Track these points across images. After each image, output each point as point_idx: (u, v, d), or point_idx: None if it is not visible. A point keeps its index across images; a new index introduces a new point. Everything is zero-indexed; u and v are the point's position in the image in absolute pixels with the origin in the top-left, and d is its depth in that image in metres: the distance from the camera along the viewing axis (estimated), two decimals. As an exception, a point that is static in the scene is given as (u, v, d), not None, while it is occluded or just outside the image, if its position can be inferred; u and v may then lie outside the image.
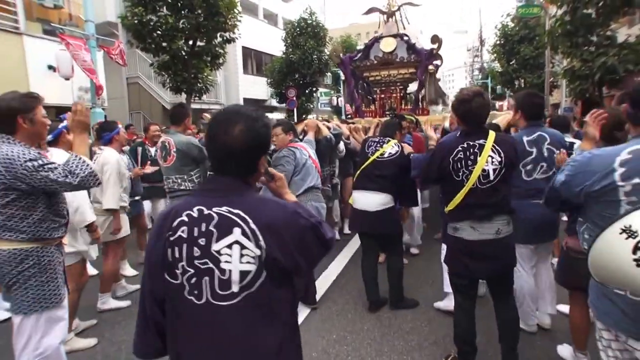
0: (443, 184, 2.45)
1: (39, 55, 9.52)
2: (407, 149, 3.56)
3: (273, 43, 20.54)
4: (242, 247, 1.06)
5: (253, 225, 1.07)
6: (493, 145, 2.27)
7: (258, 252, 1.06)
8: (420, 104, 8.05)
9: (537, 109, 2.84)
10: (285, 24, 21.67)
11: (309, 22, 18.57)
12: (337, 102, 22.99)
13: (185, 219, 1.10)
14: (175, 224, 1.11)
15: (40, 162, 1.94)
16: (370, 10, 8.18)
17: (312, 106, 20.54)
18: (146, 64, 14.60)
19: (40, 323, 2.06)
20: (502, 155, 2.27)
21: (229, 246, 1.06)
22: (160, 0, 10.58)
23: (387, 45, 7.60)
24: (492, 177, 2.25)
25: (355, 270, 3.71)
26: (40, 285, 2.05)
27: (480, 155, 2.25)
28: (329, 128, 4.52)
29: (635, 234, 1.22)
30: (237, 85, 20.45)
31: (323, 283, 4.08)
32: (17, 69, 9.27)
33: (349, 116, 8.48)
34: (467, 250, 2.36)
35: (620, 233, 1.25)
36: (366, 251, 3.65)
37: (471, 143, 2.29)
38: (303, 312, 3.46)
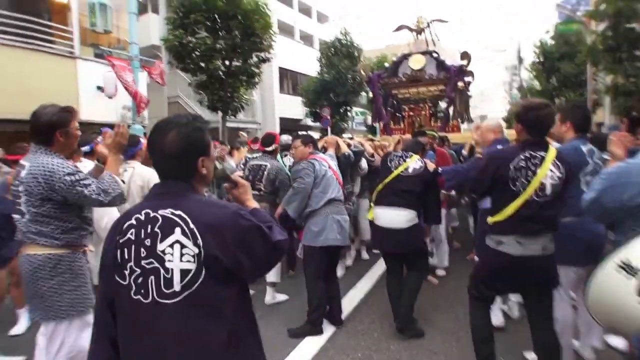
0: (494, 194, 2.36)
1: (89, 77, 10.21)
2: (430, 165, 3.46)
3: (309, 63, 21.00)
4: (182, 246, 1.10)
5: (192, 225, 1.11)
6: (554, 160, 2.20)
7: (196, 250, 1.09)
8: (450, 121, 7.96)
9: (586, 121, 2.73)
10: (320, 44, 22.13)
11: (344, 42, 18.89)
12: (372, 122, 22.95)
13: (134, 222, 1.16)
14: (125, 227, 1.16)
15: (76, 177, 2.04)
16: (399, 28, 8.18)
17: (346, 125, 20.64)
18: (186, 84, 15.26)
19: (73, 327, 2.13)
20: (563, 171, 2.19)
21: (171, 245, 1.10)
22: (200, 22, 11.05)
23: (416, 62, 7.58)
24: (548, 192, 2.17)
25: (384, 289, 3.61)
26: (74, 290, 2.12)
27: (540, 167, 2.18)
28: (349, 145, 4.46)
29: (636, 272, 1.09)
30: (273, 104, 20.97)
31: (350, 302, 4.03)
32: (70, 90, 9.94)
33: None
34: (509, 265, 2.24)
35: (618, 271, 1.12)
36: (391, 270, 3.53)
37: (533, 153, 2.22)
38: (328, 330, 3.42)
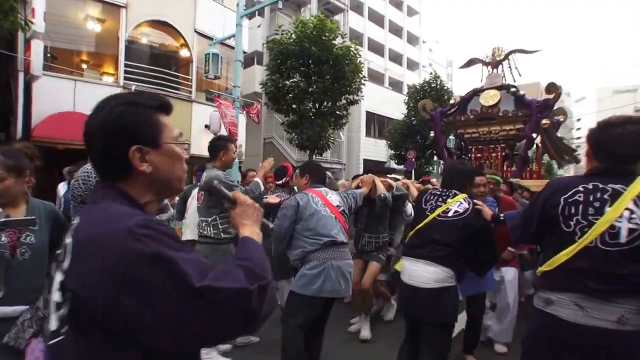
0: (543, 236, 1.80)
1: (200, 117, 12.20)
2: (486, 211, 2.61)
3: (395, 108, 21.60)
4: (62, 271, 0.80)
5: (68, 239, 0.80)
6: (639, 196, 1.58)
7: (61, 276, 0.78)
8: (528, 165, 6.95)
9: None
10: (409, 88, 22.69)
11: (433, 85, 19.12)
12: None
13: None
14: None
15: None
16: (470, 63, 7.35)
17: (431, 169, 20.42)
18: (280, 125, 16.86)
19: None
20: None
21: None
22: (294, 68, 12.27)
23: (489, 98, 6.78)
24: (623, 239, 1.57)
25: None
26: None
27: (610, 205, 1.59)
28: (390, 187, 3.89)
29: None
30: (359, 146, 21.83)
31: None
32: (186, 128, 12.00)
33: None
34: (562, 336, 1.62)
35: None
36: (410, 339, 2.74)
37: (600, 185, 1.65)
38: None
